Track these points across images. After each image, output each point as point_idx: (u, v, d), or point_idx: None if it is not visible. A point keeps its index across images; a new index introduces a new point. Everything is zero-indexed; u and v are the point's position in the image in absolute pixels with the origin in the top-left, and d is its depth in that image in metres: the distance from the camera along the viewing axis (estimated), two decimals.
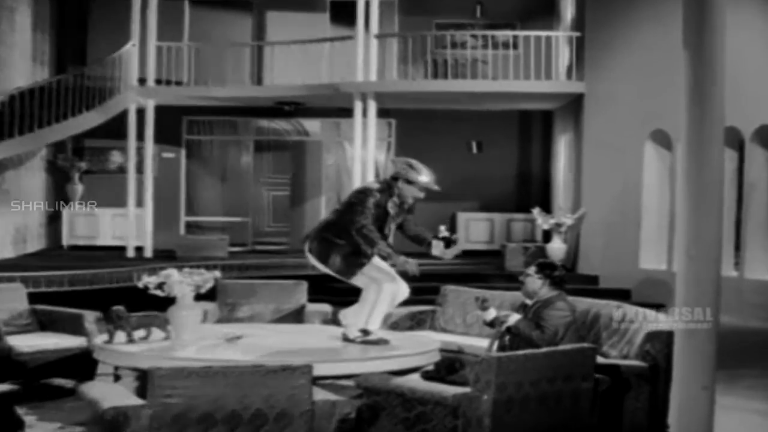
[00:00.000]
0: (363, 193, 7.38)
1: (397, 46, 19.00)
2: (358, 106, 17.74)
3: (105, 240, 19.23)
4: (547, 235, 17.84)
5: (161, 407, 5.02)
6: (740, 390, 8.80)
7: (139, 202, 18.34)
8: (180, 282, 7.29)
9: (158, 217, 18.57)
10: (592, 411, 6.22)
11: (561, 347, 6.53)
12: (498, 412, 5.64)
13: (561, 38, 17.95)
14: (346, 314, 7.55)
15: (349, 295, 7.87)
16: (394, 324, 8.80)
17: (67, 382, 8.20)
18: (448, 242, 7.39)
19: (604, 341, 7.39)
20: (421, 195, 7.42)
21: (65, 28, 20.10)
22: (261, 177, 21.89)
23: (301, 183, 21.14)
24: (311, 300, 9.71)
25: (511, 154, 20.64)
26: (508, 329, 7.17)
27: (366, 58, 17.60)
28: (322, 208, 20.22)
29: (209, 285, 7.55)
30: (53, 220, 19.52)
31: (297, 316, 9.41)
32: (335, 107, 19.22)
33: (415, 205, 7.57)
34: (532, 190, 20.33)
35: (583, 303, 7.79)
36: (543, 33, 17.69)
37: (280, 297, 9.59)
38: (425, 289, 9.69)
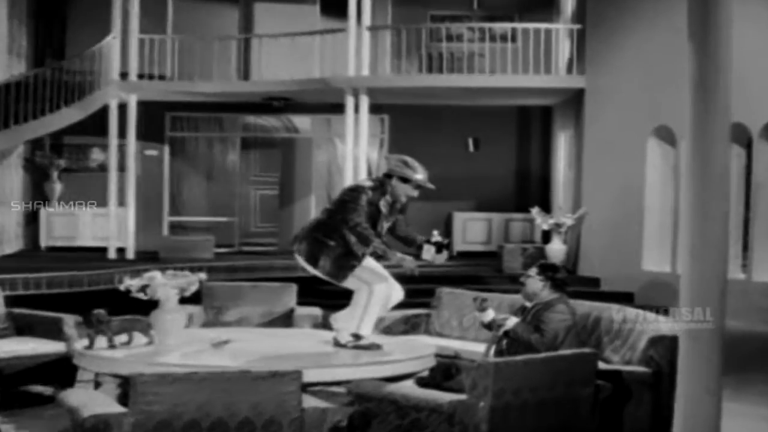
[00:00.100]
0: (355, 190, 7.38)
1: (391, 39, 18.98)
2: (349, 102, 17.74)
3: (85, 241, 19.18)
4: (547, 236, 17.87)
5: (144, 415, 5.02)
6: (747, 396, 8.82)
7: (121, 202, 18.32)
8: (164, 284, 7.29)
9: (141, 217, 18.56)
10: (592, 418, 6.23)
11: (561, 352, 6.54)
12: (495, 419, 5.65)
13: (561, 31, 17.97)
14: (338, 318, 7.55)
15: (340, 298, 7.87)
16: (388, 328, 8.80)
17: (45, 390, 8.19)
18: (440, 247, 7.39)
19: (605, 346, 7.41)
20: (416, 193, 7.43)
21: (43, 19, 20.05)
22: (248, 175, 21.87)
23: (290, 182, 21.13)
24: (301, 303, 9.71)
25: (509, 151, 20.65)
26: (506, 333, 7.18)
27: (358, 51, 17.61)
28: (312, 208, 20.22)
29: (194, 288, 7.54)
30: (31, 220, 19.48)
31: (286, 320, 9.40)
32: (326, 103, 19.22)
33: (408, 205, 7.57)
34: (531, 189, 20.35)
35: (584, 306, 7.80)
36: (542, 25, 17.72)
37: (268, 300, 9.59)
38: (420, 291, 9.69)
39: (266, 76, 19.01)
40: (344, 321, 7.46)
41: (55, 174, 19.63)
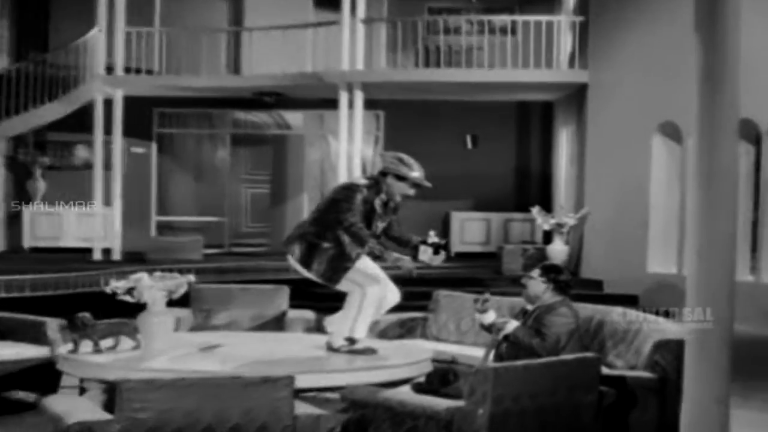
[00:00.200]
0: (349, 189, 7.37)
1: (386, 31, 19.01)
2: (343, 97, 17.75)
3: (69, 241, 19.16)
4: (548, 236, 17.88)
5: (131, 422, 5.01)
6: (756, 403, 8.81)
7: (107, 201, 18.33)
8: (151, 287, 7.28)
9: (127, 216, 18.56)
10: (595, 426, 6.23)
11: (562, 357, 6.54)
12: (494, 426, 5.64)
13: (563, 23, 17.98)
14: (332, 321, 7.55)
15: (334, 301, 7.86)
16: (383, 332, 8.80)
17: (28, 396, 8.16)
18: (437, 248, 7.38)
19: (609, 350, 7.40)
20: (411, 192, 7.42)
21: (25, 11, 20.03)
22: (238, 173, 21.86)
23: (281, 180, 21.15)
24: (293, 306, 9.71)
25: (509, 148, 20.67)
26: (506, 337, 7.18)
27: (352, 45, 17.61)
28: (304, 207, 20.23)
29: (182, 290, 7.53)
30: (13, 220, 19.46)
31: (278, 324, 9.41)
32: (319, 98, 19.23)
33: (400, 205, 7.55)
34: (532, 188, 20.37)
35: (587, 309, 7.79)
36: (543, 17, 17.73)
37: (259, 303, 9.59)
38: (416, 294, 9.66)
39: (257, 71, 19.00)
40: (338, 324, 7.46)
41: (38, 172, 19.62)
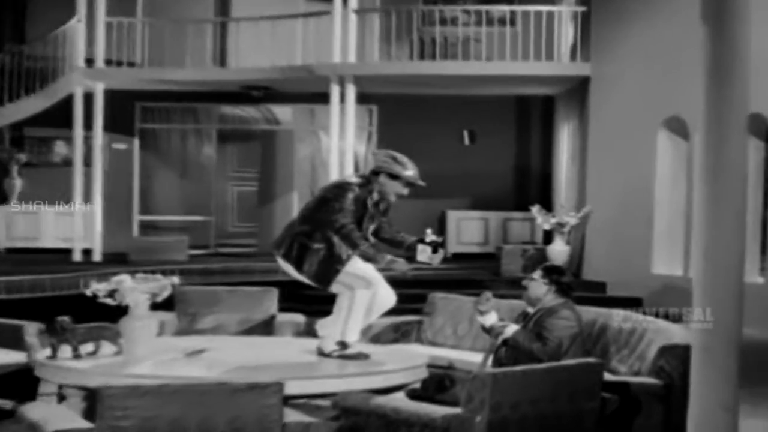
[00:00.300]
0: (341, 188, 7.38)
1: (380, 22, 19.00)
2: (334, 91, 17.74)
3: (48, 242, 19.13)
4: (548, 236, 17.89)
5: (112, 431, 5.01)
6: (766, 411, 8.82)
7: (87, 199, 18.31)
8: (133, 289, 7.27)
9: (108, 216, 18.54)
10: None
11: (563, 362, 6.54)
12: None
13: (564, 14, 18.00)
14: (324, 325, 7.55)
15: (325, 304, 7.87)
16: (376, 336, 8.81)
17: (4, 403, 8.16)
18: (436, 247, 7.38)
19: (612, 356, 7.41)
20: (405, 191, 7.42)
21: (1, 1, 20.01)
22: (225, 171, 21.87)
23: (270, 177, 21.14)
24: (282, 309, 9.71)
25: (508, 145, 20.68)
26: (505, 342, 7.18)
27: (344, 36, 17.61)
28: (294, 206, 20.18)
29: (166, 293, 7.52)
30: None
31: (266, 328, 9.40)
32: (309, 92, 19.22)
33: (391, 206, 7.55)
34: (531, 186, 20.39)
35: (589, 313, 7.79)
36: (544, 8, 17.73)
37: (247, 306, 9.59)
38: (411, 296, 9.65)
39: (244, 63, 19.00)
40: (330, 328, 7.46)
41: (15, 169, 19.56)
